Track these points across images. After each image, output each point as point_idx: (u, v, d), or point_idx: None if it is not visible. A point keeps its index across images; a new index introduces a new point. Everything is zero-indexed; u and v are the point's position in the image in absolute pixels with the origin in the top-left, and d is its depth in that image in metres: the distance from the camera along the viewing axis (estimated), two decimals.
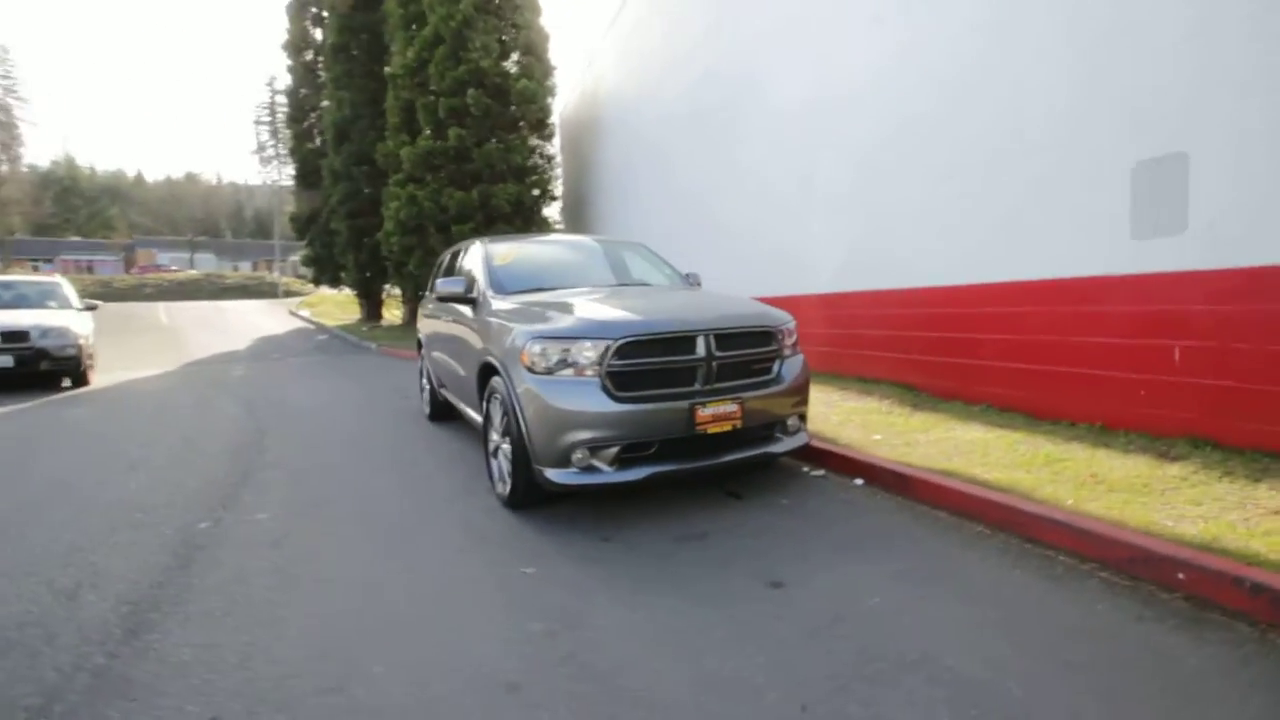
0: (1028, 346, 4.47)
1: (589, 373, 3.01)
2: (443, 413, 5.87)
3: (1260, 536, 2.41)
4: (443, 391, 5.47)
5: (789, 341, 3.61)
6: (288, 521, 3.37)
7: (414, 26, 14.38)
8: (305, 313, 22.77)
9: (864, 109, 5.94)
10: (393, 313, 20.30)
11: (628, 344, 3.05)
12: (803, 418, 3.68)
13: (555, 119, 15.67)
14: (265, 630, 2.24)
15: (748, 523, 3.09)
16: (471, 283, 4.19)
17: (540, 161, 15.05)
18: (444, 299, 4.31)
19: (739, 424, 3.19)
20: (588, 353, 3.01)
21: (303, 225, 20.79)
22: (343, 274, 19.73)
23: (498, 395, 3.41)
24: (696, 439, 3.14)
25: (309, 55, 20.23)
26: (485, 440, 3.73)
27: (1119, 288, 3.84)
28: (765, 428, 3.41)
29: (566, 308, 3.45)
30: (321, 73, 19.71)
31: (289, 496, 3.82)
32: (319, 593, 2.53)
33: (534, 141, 15.00)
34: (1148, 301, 3.68)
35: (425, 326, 5.86)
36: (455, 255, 5.98)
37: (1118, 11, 3.78)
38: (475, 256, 4.63)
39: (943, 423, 4.54)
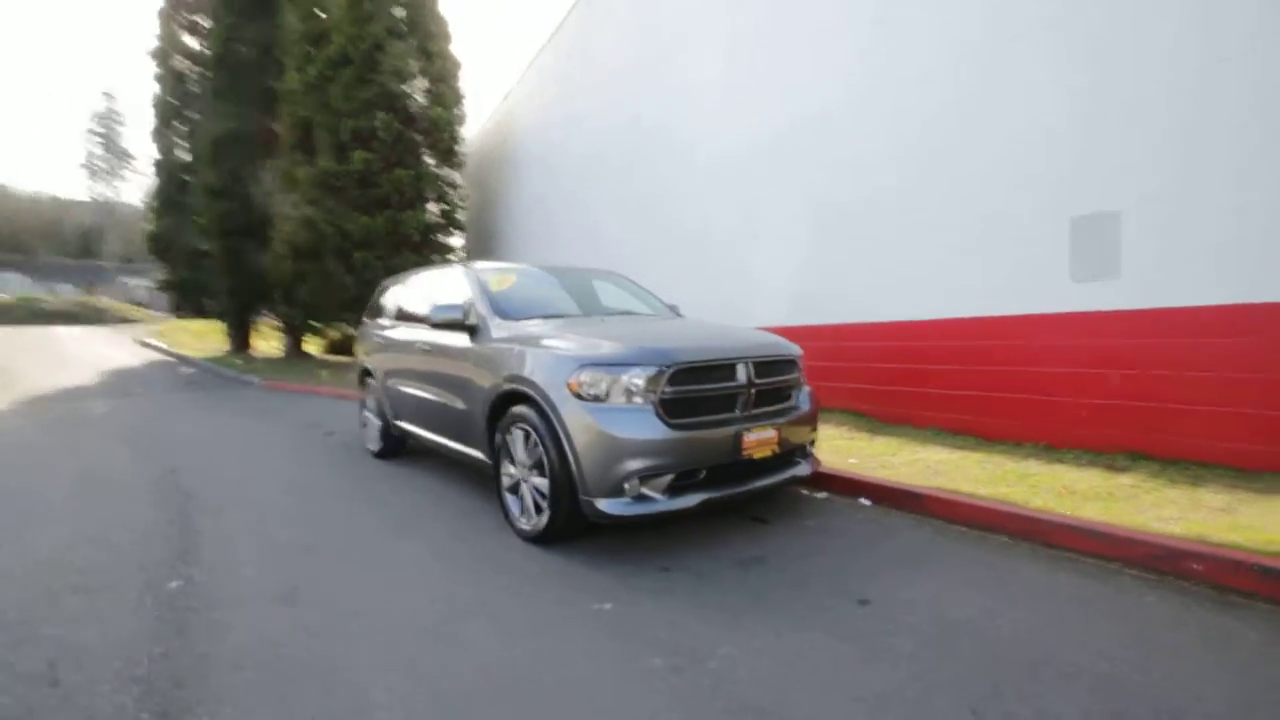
0: (975, 376, 5.00)
1: (641, 399, 2.95)
2: (394, 448, 5.42)
3: (1231, 530, 2.85)
4: (401, 425, 5.06)
5: (802, 370, 3.78)
6: (283, 572, 2.93)
7: (316, 44, 13.60)
8: (158, 342, 20.02)
9: (813, 158, 6.45)
10: (270, 344, 18.43)
11: (680, 370, 3.04)
12: (812, 443, 3.84)
13: (464, 149, 15.35)
14: (343, 702, 1.92)
15: (793, 545, 3.14)
16: (468, 310, 3.95)
17: (449, 190, 14.60)
18: (437, 325, 4.02)
19: (777, 449, 3.27)
20: (639, 380, 2.96)
21: (163, 246, 18.45)
22: (208, 300, 17.67)
23: (523, 426, 3.23)
24: (739, 464, 3.17)
25: (180, 63, 18.32)
26: (498, 475, 3.50)
27: (1061, 324, 4.44)
28: (789, 453, 3.52)
29: (598, 334, 3.38)
30: (193, 85, 17.91)
31: (261, 544, 3.32)
32: (383, 654, 2.22)
33: (443, 170, 14.57)
34: (1087, 336, 4.29)
35: (378, 358, 5.41)
36: (396, 286, 5.67)
37: (1061, 89, 4.47)
38: (461, 283, 4.39)
39: (905, 446, 4.91)
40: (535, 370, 3.18)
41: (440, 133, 13.82)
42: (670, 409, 2.99)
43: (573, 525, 3.09)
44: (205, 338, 19.66)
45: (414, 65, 13.66)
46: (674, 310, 4.86)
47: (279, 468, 5.28)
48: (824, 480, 4.12)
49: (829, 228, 6.29)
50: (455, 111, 14.24)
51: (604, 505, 2.88)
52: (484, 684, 2.00)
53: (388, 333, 5.35)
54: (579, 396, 2.95)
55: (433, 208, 14.77)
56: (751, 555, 3.01)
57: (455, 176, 14.72)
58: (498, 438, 3.48)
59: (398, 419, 5.12)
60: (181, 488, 4.53)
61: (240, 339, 17.60)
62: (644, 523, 3.16)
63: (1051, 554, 2.94)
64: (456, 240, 15.74)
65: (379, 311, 5.94)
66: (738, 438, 3.11)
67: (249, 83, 15.80)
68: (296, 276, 13.07)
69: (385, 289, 6.15)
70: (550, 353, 3.20)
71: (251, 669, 2.10)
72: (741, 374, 3.23)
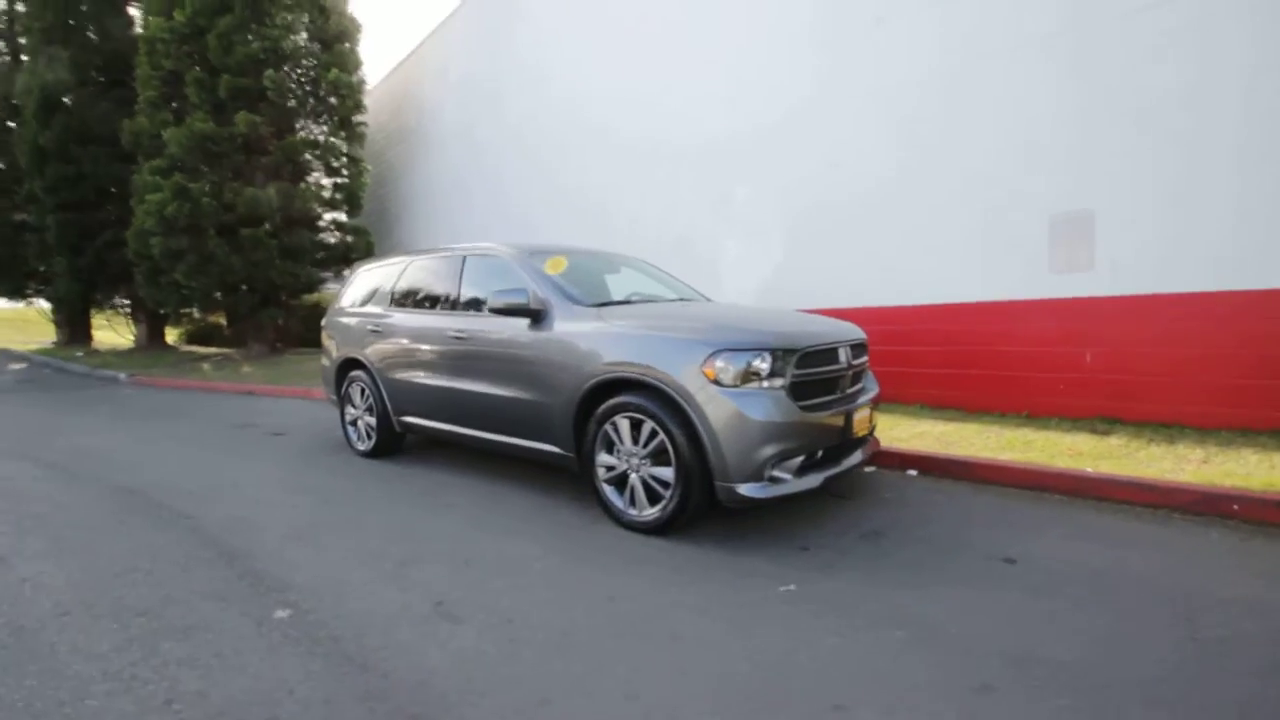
0: (957, 355, 5.56)
1: (774, 383, 2.99)
2: (391, 447, 4.97)
3: (1225, 477, 3.47)
4: (409, 420, 4.64)
5: None
6: (402, 585, 2.62)
7: None
8: None
9: (794, 154, 6.72)
10: (113, 334, 15.72)
11: (806, 354, 3.11)
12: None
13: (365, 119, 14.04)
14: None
15: (896, 516, 3.35)
16: (531, 294, 3.70)
17: (349, 164, 13.31)
18: (497, 310, 3.72)
19: (871, 427, 3.46)
20: (773, 364, 2.99)
21: None
22: (33, 284, 14.68)
23: (632, 414, 3.13)
24: (844, 444, 3.32)
25: None
26: (590, 467, 3.36)
27: (1040, 308, 5.07)
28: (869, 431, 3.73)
29: (703, 318, 3.35)
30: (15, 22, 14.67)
31: (340, 558, 2.92)
32: (607, 667, 2.09)
33: (341, 140, 13.23)
34: (1064, 319, 4.95)
35: (372, 349, 4.88)
36: (380, 270, 5.25)
37: (1042, 99, 5.05)
38: (508, 266, 4.10)
39: (904, 421, 5.37)
40: (656, 356, 3.08)
41: (342, 99, 12.54)
42: (797, 392, 3.06)
43: (696, 513, 3.06)
44: (27, 328, 16.36)
45: (305, 19, 12.25)
46: (704, 297, 4.90)
47: (261, 475, 4.63)
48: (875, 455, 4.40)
49: (812, 224, 6.62)
50: (356, 77, 12.98)
51: (745, 489, 2.89)
52: (768, 683, 1.96)
53: (384, 321, 4.85)
54: (716, 382, 2.92)
55: (326, 181, 13.45)
56: (868, 529, 3.18)
57: (354, 149, 13.45)
58: (591, 428, 3.34)
59: (404, 414, 4.69)
60: (167, 507, 3.85)
61: (79, 328, 14.83)
62: (768, 505, 3.18)
63: (1108, 506, 3.42)
64: (351, 219, 14.44)
65: (360, 299, 5.36)
66: (848, 417, 3.26)
67: (90, 23, 13.25)
68: (171, 255, 11.27)
69: (359, 273, 5.57)
70: (670, 338, 3.12)
71: (485, 693, 1.89)
72: (843, 357, 3.37)
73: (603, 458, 3.33)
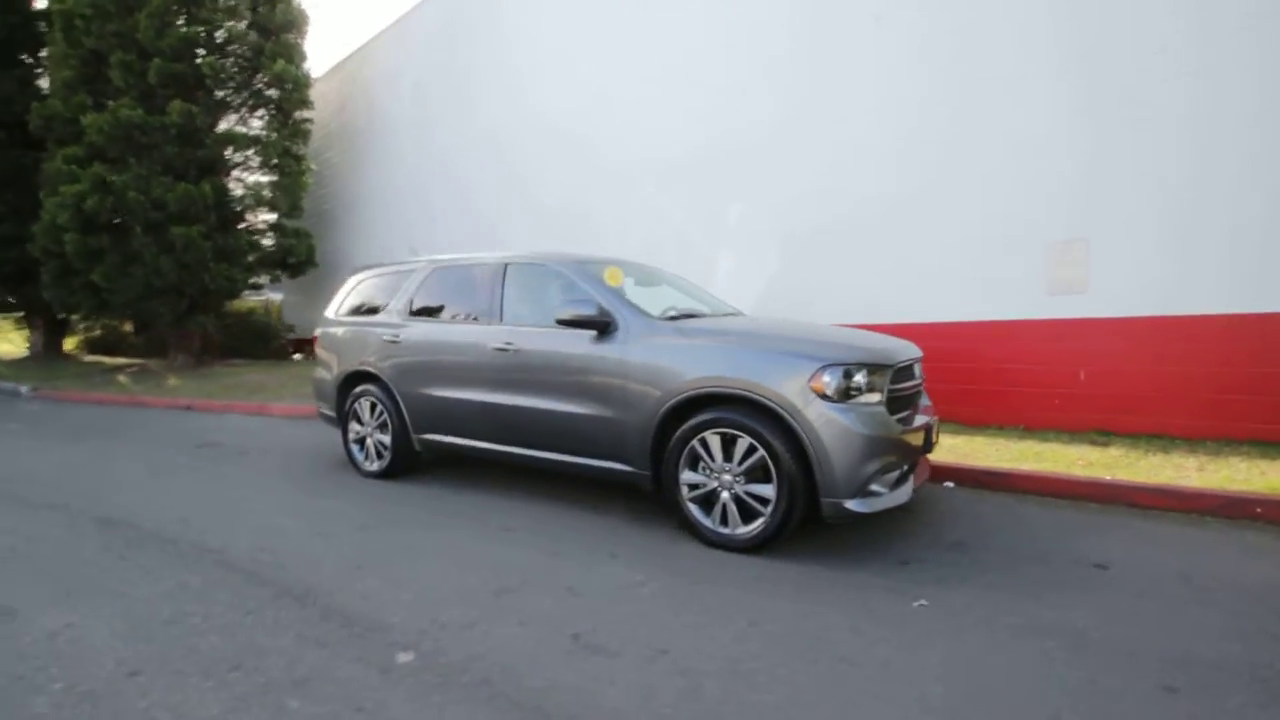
0: (958, 372, 5.86)
1: (873, 399, 3.02)
2: (405, 466, 4.64)
3: (1228, 482, 3.83)
4: (433, 438, 4.35)
5: None
6: (517, 618, 2.42)
7: None
8: None
9: (795, 172, 6.90)
10: (15, 342, 13.82)
11: (898, 369, 3.17)
12: None
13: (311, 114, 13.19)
14: None
15: (967, 526, 3.45)
16: (600, 307, 3.56)
17: (291, 162, 12.44)
18: (566, 322, 3.55)
19: (936, 438, 3.57)
20: (872, 378, 3.02)
21: None
22: None
23: (725, 430, 3.07)
24: (918, 457, 3.40)
25: None
26: (674, 485, 3.25)
27: (1038, 328, 5.43)
28: None
29: (792, 333, 3.36)
30: None
31: (435, 594, 2.67)
32: (803, 694, 2.02)
33: (279, 138, 12.34)
34: (1060, 339, 5.33)
35: (389, 363, 4.53)
36: (383, 279, 4.99)
37: (1043, 133, 5.44)
38: (548, 276, 3.95)
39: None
40: (758, 371, 3.03)
41: (287, 92, 11.74)
42: (892, 408, 3.11)
43: (793, 528, 3.03)
44: None
45: (249, 3, 11.42)
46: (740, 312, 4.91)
47: (259, 500, 4.20)
48: None
49: (805, 243, 6.80)
50: (302, 70, 12.21)
51: (852, 504, 2.89)
52: (974, 702, 1.94)
53: (403, 332, 4.53)
54: (824, 397, 2.92)
55: (265, 180, 12.53)
56: (950, 541, 3.26)
57: (297, 146, 12.59)
58: (673, 445, 3.24)
59: (427, 432, 4.40)
60: (174, 541, 3.40)
61: None
62: (863, 520, 3.17)
63: (1139, 512, 3.68)
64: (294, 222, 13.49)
65: (363, 308, 4.99)
66: (929, 430, 3.35)
67: None
68: (88, 255, 10.08)
69: (360, 281, 5.21)
70: (773, 352, 3.09)
71: None
72: (917, 371, 3.47)
73: (687, 475, 3.24)
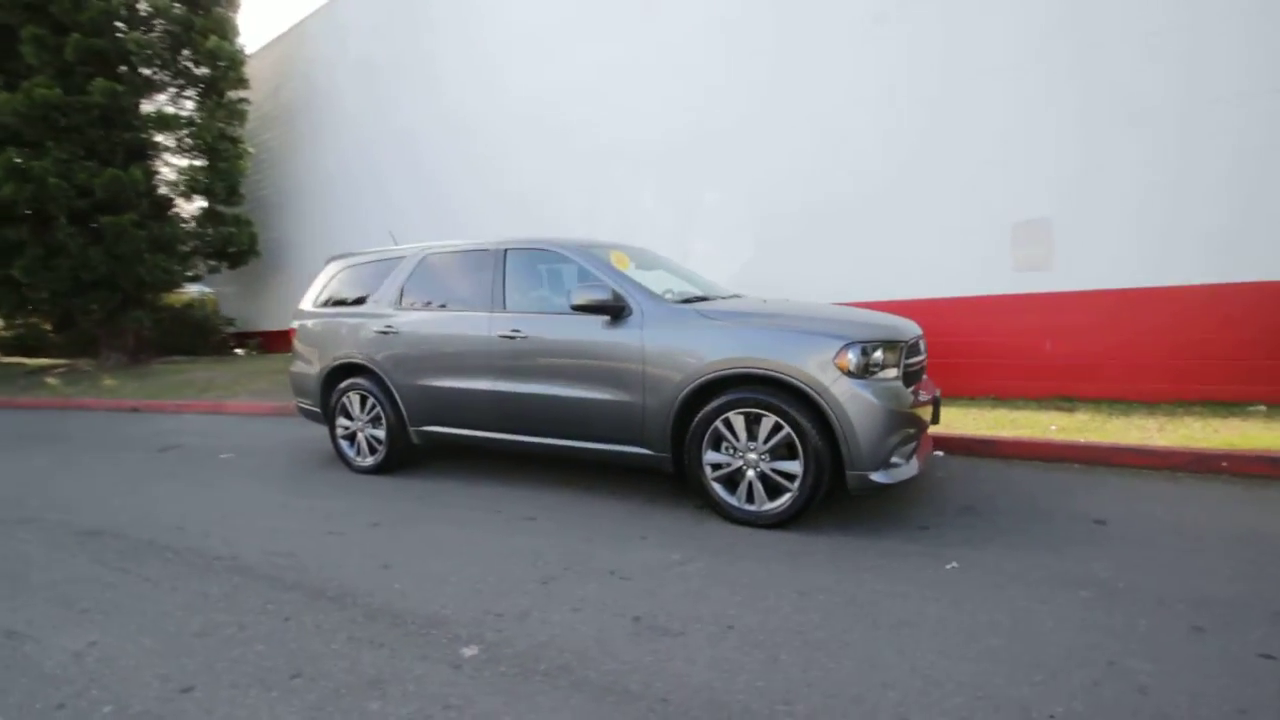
0: (932, 346, 6.11)
1: (890, 374, 3.13)
2: (400, 460, 4.51)
3: (1189, 440, 4.18)
4: (433, 430, 4.25)
5: None
6: (577, 616, 2.42)
7: None
8: None
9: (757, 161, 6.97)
10: None
11: (909, 346, 3.29)
12: None
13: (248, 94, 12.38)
14: None
15: (971, 491, 3.63)
16: (613, 292, 3.54)
17: (227, 145, 11.69)
18: (581, 308, 3.50)
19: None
20: (888, 354, 3.13)
21: None
22: None
23: (749, 410, 3.11)
24: (926, 429, 3.55)
25: None
26: (697, 467, 3.29)
27: (1006, 303, 5.73)
28: None
29: (809, 313, 3.42)
30: None
31: (488, 589, 2.63)
32: (885, 667, 2.10)
33: (214, 120, 11.58)
34: (1027, 313, 5.63)
35: (385, 354, 4.37)
36: (363, 266, 4.79)
37: (1011, 119, 5.69)
38: (552, 261, 3.92)
39: None
40: (784, 351, 3.08)
41: (221, 70, 11.00)
42: (906, 382, 3.23)
43: (817, 502, 3.13)
44: None
45: None
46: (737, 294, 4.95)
47: (250, 502, 4.03)
48: None
49: (782, 227, 6.92)
50: (237, 46, 11.45)
51: (876, 476, 3.00)
52: (1035, 652, 2.06)
53: (397, 321, 4.38)
54: (849, 374, 3.00)
55: (200, 164, 11.75)
56: (959, 505, 3.43)
57: (236, 128, 11.85)
58: (695, 427, 3.27)
59: (426, 424, 4.29)
60: (172, 548, 3.23)
61: None
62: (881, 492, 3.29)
63: (1121, 470, 3.97)
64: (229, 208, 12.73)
65: (345, 298, 4.79)
66: (936, 404, 3.50)
67: None
68: (5, 249, 9.20)
69: (337, 270, 4.99)
70: (798, 331, 3.15)
71: (789, 700, 1.82)
72: (922, 347, 3.61)
73: (710, 456, 3.28)
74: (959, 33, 5.85)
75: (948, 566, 2.68)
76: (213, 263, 11.86)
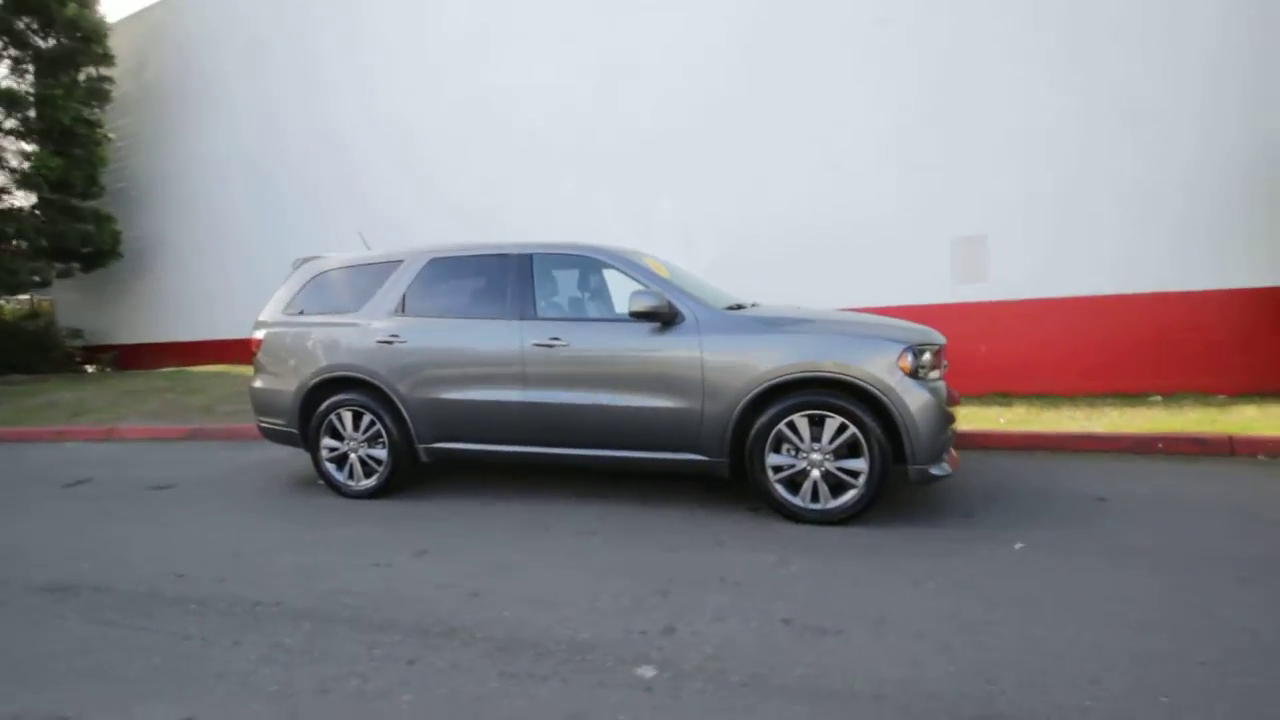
0: None
1: (936, 374, 3.41)
2: (402, 482, 4.16)
3: (1116, 426, 4.93)
4: (447, 446, 3.97)
5: None
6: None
7: None
8: None
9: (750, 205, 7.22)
10: None
11: (941, 349, 3.59)
12: None
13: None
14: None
15: (981, 482, 4.02)
16: (664, 299, 3.52)
17: (85, 129, 10.03)
18: (639, 314, 3.44)
19: None
20: (934, 357, 3.41)
21: None
22: None
23: (815, 412, 3.26)
24: None
25: None
26: (756, 469, 3.36)
27: (944, 311, 6.38)
28: None
29: (861, 320, 3.69)
30: None
31: (553, 616, 2.51)
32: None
33: (70, 98, 9.91)
34: (965, 320, 6.31)
35: (392, 365, 3.99)
36: (353, 271, 4.41)
37: (946, 147, 6.34)
38: (588, 266, 3.84)
39: None
40: (852, 355, 3.25)
41: (84, 44, 9.44)
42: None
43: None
44: None
45: None
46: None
47: (260, 543, 3.55)
48: None
49: (737, 243, 7.21)
50: (99, 15, 9.89)
51: (934, 469, 3.25)
52: (1163, 612, 2.34)
53: (404, 331, 4.02)
54: (912, 375, 3.23)
55: (46, 149, 10.01)
56: (976, 493, 3.77)
57: (96, 112, 10.21)
58: (755, 431, 3.35)
59: (439, 440, 4.01)
60: (186, 600, 2.78)
61: None
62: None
63: (1081, 455, 4.58)
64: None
65: (330, 306, 4.33)
66: (957, 403, 3.85)
67: None
68: None
69: (319, 274, 4.50)
70: (863, 336, 3.33)
71: (1037, 677, 1.95)
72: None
73: (772, 459, 3.38)
74: (921, 63, 6.48)
75: (1016, 546, 2.97)
76: (66, 264, 10.07)
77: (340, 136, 9.84)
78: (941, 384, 3.39)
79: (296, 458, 5.10)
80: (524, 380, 3.77)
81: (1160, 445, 4.51)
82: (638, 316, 3.50)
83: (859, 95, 6.62)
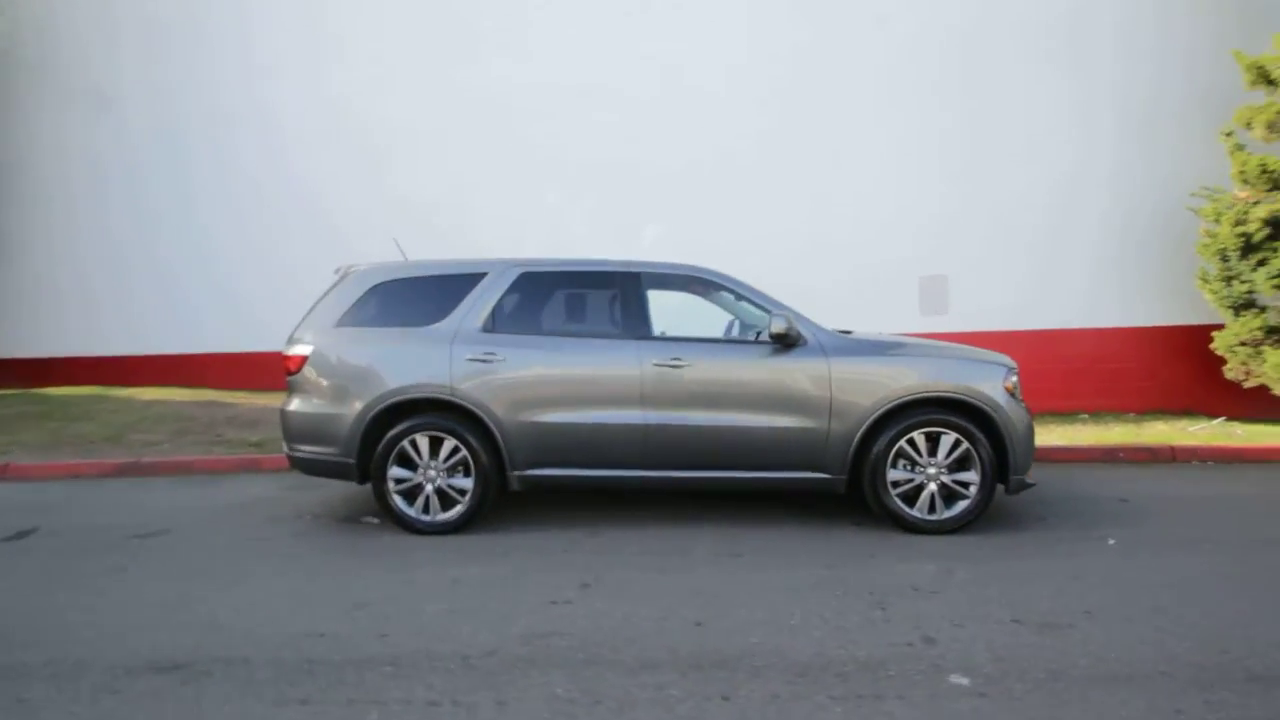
0: None
1: (1020, 394, 3.87)
2: (477, 513, 3.79)
3: (1075, 439, 5.87)
4: (545, 473, 3.72)
5: None
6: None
7: None
8: None
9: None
10: None
11: None
12: None
13: None
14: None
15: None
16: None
17: None
18: (778, 337, 3.51)
19: None
20: (1018, 379, 3.87)
21: None
22: None
23: (934, 430, 3.57)
24: None
25: None
26: (879, 485, 3.57)
27: None
28: None
29: (956, 345, 4.12)
30: None
31: (790, 640, 2.54)
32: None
33: None
34: None
35: (488, 386, 3.65)
36: (405, 280, 4.03)
37: (912, 197, 7.16)
38: (703, 286, 3.89)
39: None
40: (972, 377, 3.62)
41: None
42: None
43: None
44: None
45: None
46: None
47: (349, 594, 3.10)
48: None
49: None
50: None
51: (1029, 479, 3.71)
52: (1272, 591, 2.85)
53: (501, 349, 3.71)
54: (1013, 396, 3.65)
55: None
56: (1030, 498, 4.29)
57: None
58: (878, 447, 3.58)
59: (537, 466, 3.76)
60: (428, 655, 2.38)
61: None
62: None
63: (1060, 464, 5.32)
64: None
65: (399, 320, 3.89)
66: None
67: None
68: None
69: (381, 286, 4.01)
70: (978, 360, 3.75)
71: (1230, 649, 2.29)
72: None
73: (892, 474, 3.62)
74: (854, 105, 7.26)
75: (1110, 543, 3.47)
76: None
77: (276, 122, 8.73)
78: (1023, 403, 3.86)
79: (291, 492, 4.54)
80: (643, 401, 3.68)
81: (1121, 455, 5.45)
82: (776, 339, 3.60)
83: (832, 131, 7.30)
